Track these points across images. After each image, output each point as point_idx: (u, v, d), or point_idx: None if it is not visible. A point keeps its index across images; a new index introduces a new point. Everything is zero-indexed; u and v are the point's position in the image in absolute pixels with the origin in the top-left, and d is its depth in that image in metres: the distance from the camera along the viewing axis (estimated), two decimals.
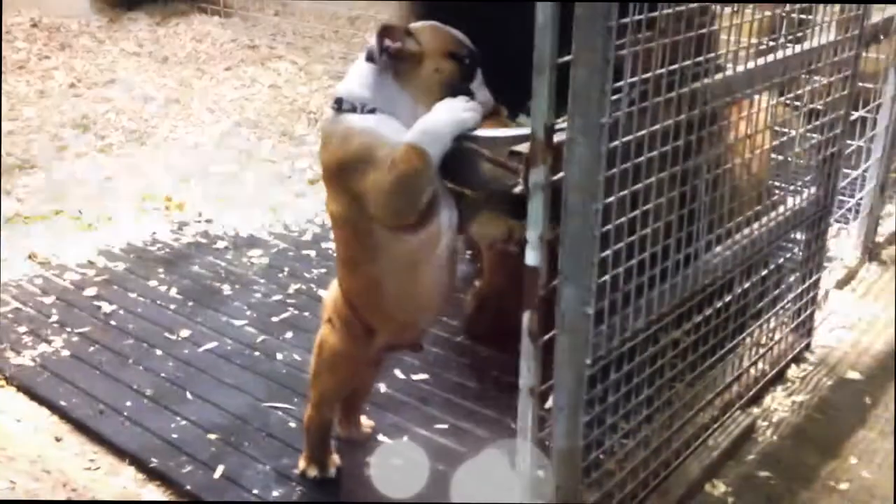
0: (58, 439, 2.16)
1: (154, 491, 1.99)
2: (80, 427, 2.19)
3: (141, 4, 5.98)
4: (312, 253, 3.14)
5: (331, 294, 1.89)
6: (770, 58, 1.89)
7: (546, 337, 1.54)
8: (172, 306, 2.77)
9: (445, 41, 1.70)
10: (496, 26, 1.75)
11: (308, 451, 1.97)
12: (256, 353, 2.51)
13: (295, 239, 3.26)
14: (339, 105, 1.68)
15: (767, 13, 1.87)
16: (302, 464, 1.97)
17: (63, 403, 2.27)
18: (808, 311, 2.44)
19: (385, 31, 1.63)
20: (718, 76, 1.72)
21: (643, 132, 1.51)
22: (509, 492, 1.66)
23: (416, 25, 1.71)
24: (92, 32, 5.59)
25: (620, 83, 1.42)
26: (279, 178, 3.74)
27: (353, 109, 1.67)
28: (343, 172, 1.68)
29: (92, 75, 4.83)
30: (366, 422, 2.13)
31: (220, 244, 3.21)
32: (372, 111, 1.66)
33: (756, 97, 1.91)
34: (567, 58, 1.36)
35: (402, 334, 1.91)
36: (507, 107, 1.79)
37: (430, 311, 1.90)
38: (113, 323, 2.67)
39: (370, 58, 1.65)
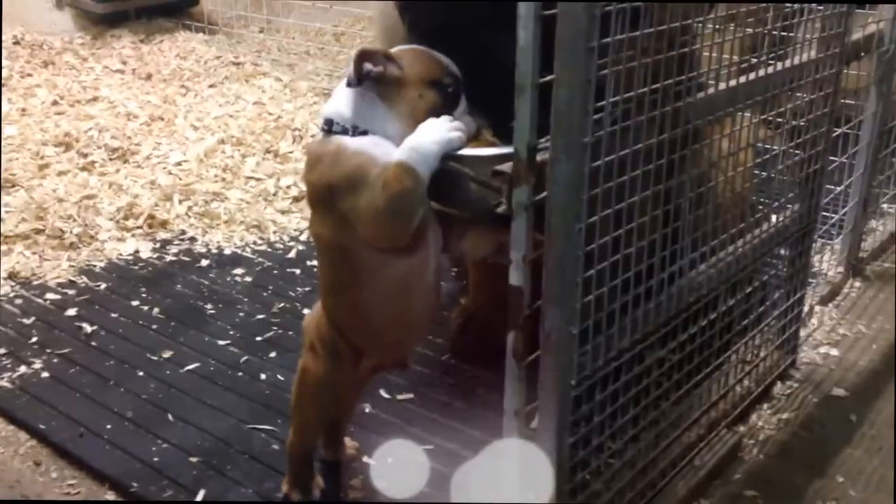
0: (37, 463, 2.13)
1: None
2: (60, 451, 2.16)
3: (125, 22, 5.95)
4: (297, 271, 3.12)
5: (312, 319, 1.86)
6: (752, 75, 1.90)
7: (531, 357, 1.53)
8: (155, 326, 2.74)
9: (428, 68, 1.68)
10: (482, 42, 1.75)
11: (291, 475, 1.94)
12: (240, 374, 2.48)
13: (279, 257, 3.24)
14: (330, 126, 1.66)
15: (749, 31, 1.88)
16: (285, 487, 1.95)
17: (42, 427, 2.23)
18: (793, 328, 2.44)
19: (364, 56, 1.61)
20: (700, 94, 1.72)
21: (626, 151, 1.51)
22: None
23: (397, 50, 1.70)
24: (75, 50, 5.56)
25: (603, 102, 1.42)
26: (264, 195, 3.72)
27: (345, 131, 1.65)
28: (334, 194, 1.65)
29: (75, 93, 4.80)
30: (350, 443, 2.11)
31: (204, 262, 3.19)
32: (364, 133, 1.64)
33: (738, 115, 1.91)
34: (549, 77, 1.36)
35: (390, 355, 1.90)
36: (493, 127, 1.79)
37: (420, 331, 1.90)
38: (94, 344, 2.63)
39: (350, 83, 1.63)
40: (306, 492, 1.94)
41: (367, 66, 1.60)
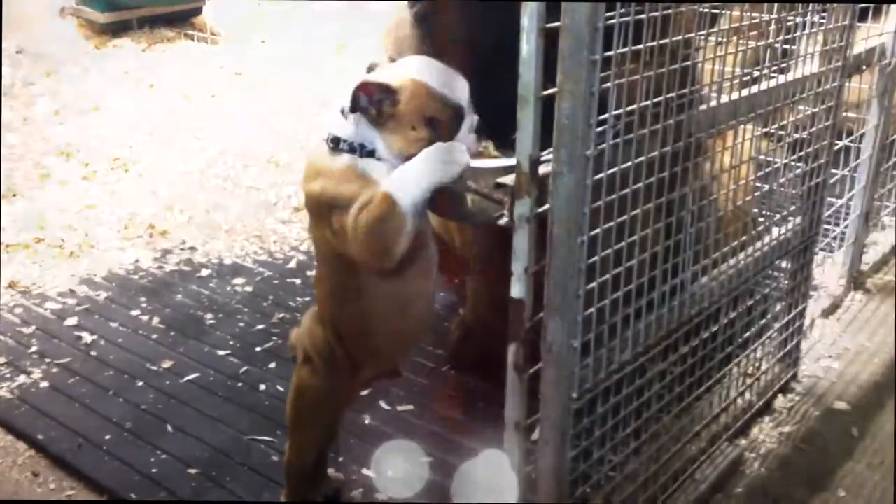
0: (35, 474, 2.12)
1: None
2: (58, 461, 2.15)
3: (127, 31, 5.97)
4: (297, 281, 3.12)
5: (304, 332, 1.84)
6: (754, 88, 1.90)
7: (532, 370, 1.52)
8: (154, 336, 2.73)
9: (424, 104, 1.62)
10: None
11: (289, 490, 1.93)
12: (239, 385, 2.47)
13: (279, 267, 3.24)
14: (336, 144, 1.65)
15: (752, 44, 1.88)
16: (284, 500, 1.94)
17: (41, 437, 2.22)
18: (795, 341, 2.43)
19: (362, 88, 1.60)
20: (703, 107, 1.72)
21: (628, 164, 1.51)
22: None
23: (400, 80, 1.63)
24: (77, 59, 5.58)
25: (605, 115, 1.42)
26: (264, 205, 3.72)
27: (353, 150, 1.64)
28: (336, 211, 1.64)
29: (77, 102, 4.81)
30: (333, 474, 2.08)
31: (204, 272, 3.18)
32: (371, 153, 1.63)
33: (741, 128, 1.91)
34: (552, 90, 1.36)
35: (387, 363, 1.90)
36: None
37: (416, 340, 1.90)
38: (93, 353, 2.62)
39: (343, 112, 1.62)
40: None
41: (364, 99, 1.59)
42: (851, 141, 2.90)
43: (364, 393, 2.25)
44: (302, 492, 1.92)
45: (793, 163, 2.17)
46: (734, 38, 1.80)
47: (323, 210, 1.67)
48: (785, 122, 2.12)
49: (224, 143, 4.25)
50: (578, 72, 1.33)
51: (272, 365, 2.57)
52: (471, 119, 1.66)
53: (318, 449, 1.92)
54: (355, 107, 1.60)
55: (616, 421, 1.70)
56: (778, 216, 2.22)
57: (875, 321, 2.83)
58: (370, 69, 1.69)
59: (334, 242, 1.67)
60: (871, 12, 2.62)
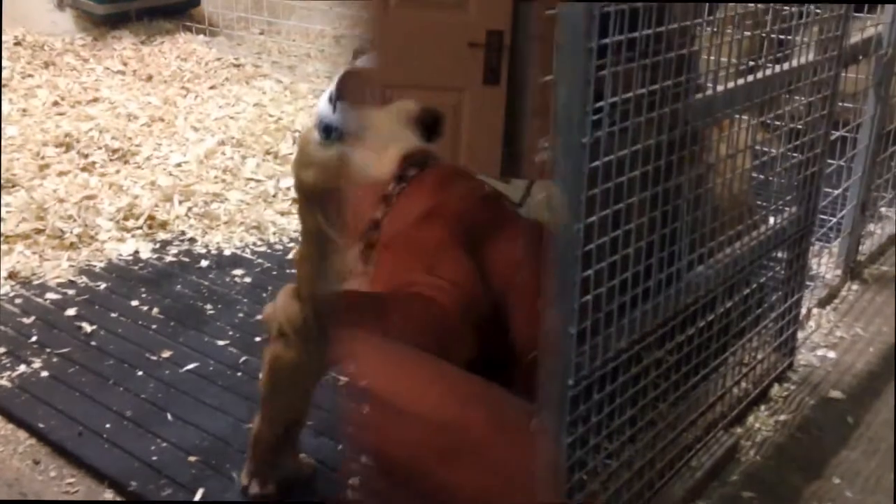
0: (36, 462, 2.13)
1: None
2: (59, 449, 2.17)
3: (125, 23, 5.96)
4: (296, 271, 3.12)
5: (279, 308, 1.85)
6: (750, 78, 1.90)
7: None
8: (154, 326, 2.74)
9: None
10: None
11: (253, 465, 1.95)
12: (238, 374, 2.49)
13: (278, 258, 3.25)
14: (328, 134, 1.67)
15: (748, 33, 1.89)
16: (244, 479, 1.96)
17: (42, 425, 2.24)
18: (791, 330, 2.44)
19: (347, 78, 1.62)
20: (699, 96, 1.73)
21: (624, 152, 1.51)
22: None
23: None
24: (76, 51, 5.57)
25: (601, 103, 1.43)
26: (263, 196, 3.73)
27: (342, 138, 1.66)
28: (331, 203, 1.67)
29: (76, 93, 4.80)
30: (305, 460, 2.09)
31: (203, 263, 3.19)
32: (358, 142, 1.64)
33: (737, 117, 1.92)
34: (548, 77, 1.36)
35: None
36: None
37: None
38: (93, 343, 2.64)
39: (331, 99, 1.65)
40: (265, 485, 1.94)
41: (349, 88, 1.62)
42: (848, 131, 2.91)
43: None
44: (267, 464, 1.94)
45: (789, 153, 2.18)
46: (730, 28, 1.81)
47: (316, 199, 1.70)
48: (781, 111, 2.13)
49: (223, 135, 4.25)
50: (574, 60, 1.34)
51: None
52: None
53: (286, 421, 1.93)
54: (341, 95, 1.62)
55: (612, 408, 1.71)
56: (774, 206, 2.23)
57: (871, 311, 2.84)
58: (356, 55, 1.71)
59: (325, 227, 1.69)
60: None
